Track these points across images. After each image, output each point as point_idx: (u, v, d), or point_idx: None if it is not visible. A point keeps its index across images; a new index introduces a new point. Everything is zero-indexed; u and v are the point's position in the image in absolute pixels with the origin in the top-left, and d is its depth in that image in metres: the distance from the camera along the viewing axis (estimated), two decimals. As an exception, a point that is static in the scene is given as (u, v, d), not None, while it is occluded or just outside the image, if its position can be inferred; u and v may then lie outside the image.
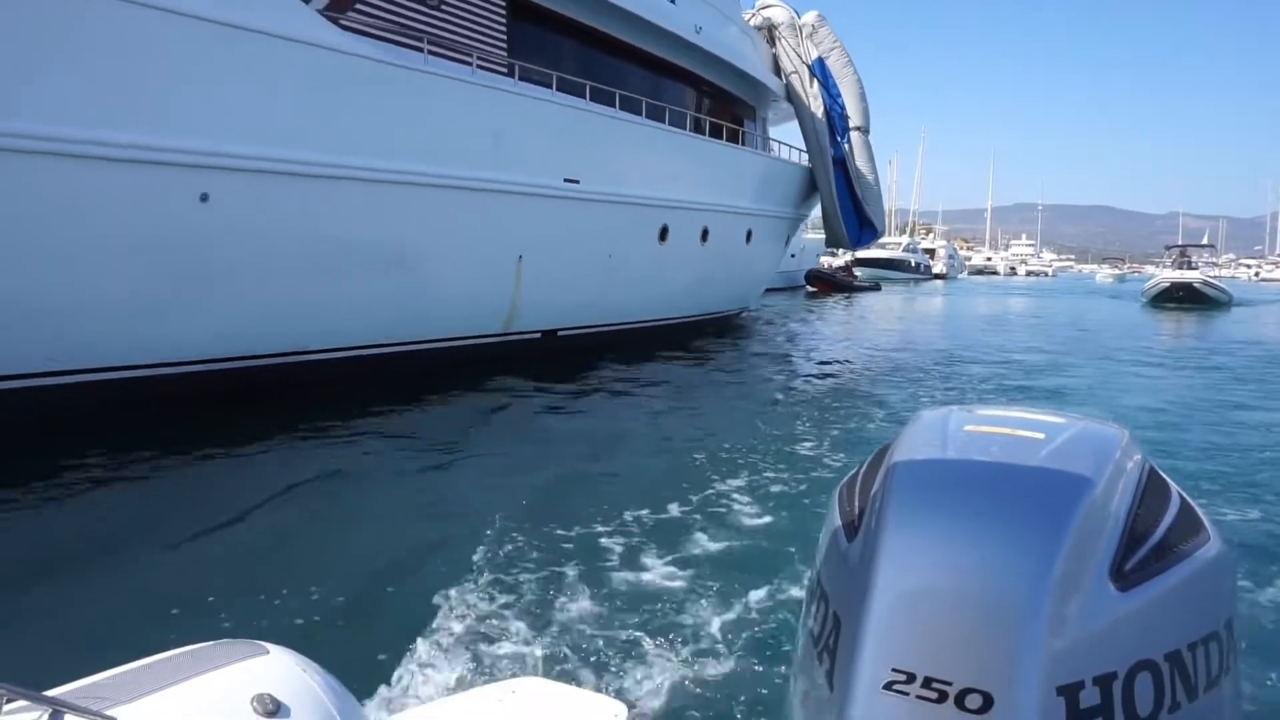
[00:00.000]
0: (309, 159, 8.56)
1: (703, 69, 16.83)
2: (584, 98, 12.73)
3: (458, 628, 3.80)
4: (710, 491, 6.12)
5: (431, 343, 10.93)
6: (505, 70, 11.44)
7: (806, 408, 9.92)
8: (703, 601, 4.18)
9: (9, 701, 1.21)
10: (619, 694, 3.23)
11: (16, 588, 4.21)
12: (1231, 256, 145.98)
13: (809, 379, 12.93)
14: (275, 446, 7.25)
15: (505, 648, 3.64)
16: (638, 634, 3.79)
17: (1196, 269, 40.06)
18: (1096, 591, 1.31)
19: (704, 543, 5.06)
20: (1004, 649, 1.25)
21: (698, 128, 16.88)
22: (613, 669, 3.50)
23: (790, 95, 20.57)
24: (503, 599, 4.13)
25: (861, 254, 43.77)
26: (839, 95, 20.76)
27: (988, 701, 1.22)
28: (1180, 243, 45.58)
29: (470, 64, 10.69)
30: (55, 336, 7.23)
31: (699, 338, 16.65)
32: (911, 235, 75.45)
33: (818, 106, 20.33)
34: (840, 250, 37.02)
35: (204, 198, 7.72)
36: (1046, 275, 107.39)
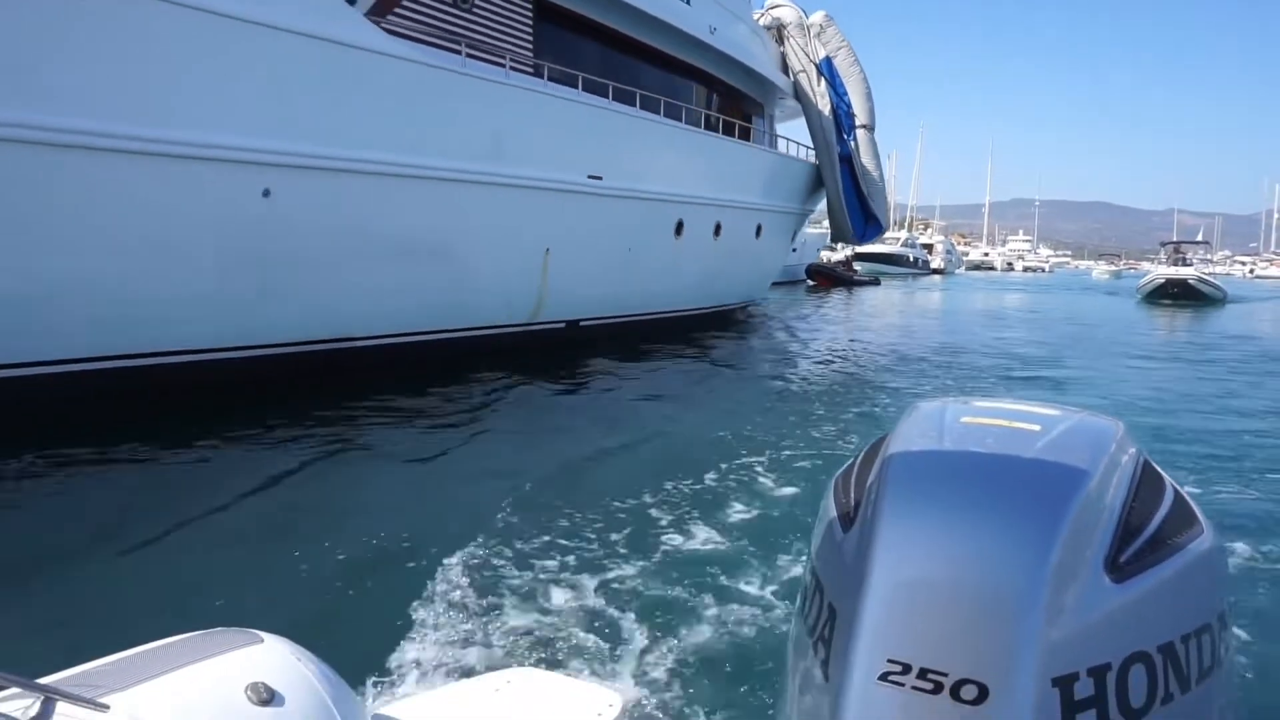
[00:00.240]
0: (360, 157, 9.09)
1: (715, 68, 17.34)
2: (607, 97, 13.26)
3: (453, 617, 3.82)
4: (708, 482, 6.14)
5: (467, 331, 11.48)
6: (532, 70, 11.96)
7: (805, 401, 9.95)
8: (698, 591, 4.18)
9: (2, 689, 1.22)
10: (613, 683, 3.23)
11: (21, 574, 4.25)
12: (1227, 253, 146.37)
13: (814, 370, 13.34)
14: (275, 434, 7.29)
15: (501, 637, 3.66)
16: (632, 624, 3.80)
17: (1191, 265, 40.23)
18: (1091, 583, 1.33)
19: (700, 533, 5.08)
20: (999, 640, 1.26)
21: (710, 125, 17.39)
22: (607, 659, 3.51)
23: (798, 93, 21.05)
24: (498, 588, 4.14)
25: (861, 249, 44.15)
26: (845, 94, 21.25)
27: (983, 693, 1.23)
28: (1175, 239, 45.83)
29: (504, 65, 11.21)
30: (139, 322, 7.78)
31: (705, 330, 17.08)
32: (910, 230, 75.85)
33: (825, 104, 20.83)
34: (840, 244, 37.45)
35: (266, 193, 8.26)
36: (1043, 271, 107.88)
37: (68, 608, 3.97)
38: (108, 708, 1.22)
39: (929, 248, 73.20)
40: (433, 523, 5.16)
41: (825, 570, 1.56)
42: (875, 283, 46.35)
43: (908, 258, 62.66)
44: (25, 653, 3.02)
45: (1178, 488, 1.63)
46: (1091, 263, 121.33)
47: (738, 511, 5.54)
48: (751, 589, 4.23)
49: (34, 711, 1.18)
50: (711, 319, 18.46)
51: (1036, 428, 1.63)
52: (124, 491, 5.81)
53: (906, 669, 1.27)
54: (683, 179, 15.59)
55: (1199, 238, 69.30)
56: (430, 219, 10.23)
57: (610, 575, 4.39)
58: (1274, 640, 3.84)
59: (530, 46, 12.06)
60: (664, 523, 5.25)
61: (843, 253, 48.35)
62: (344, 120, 8.94)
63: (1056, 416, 1.73)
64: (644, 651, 3.56)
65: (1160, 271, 39.51)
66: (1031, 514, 1.37)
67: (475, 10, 11.11)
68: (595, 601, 4.05)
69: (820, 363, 14.17)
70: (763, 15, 20.95)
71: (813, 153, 21.46)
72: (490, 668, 3.24)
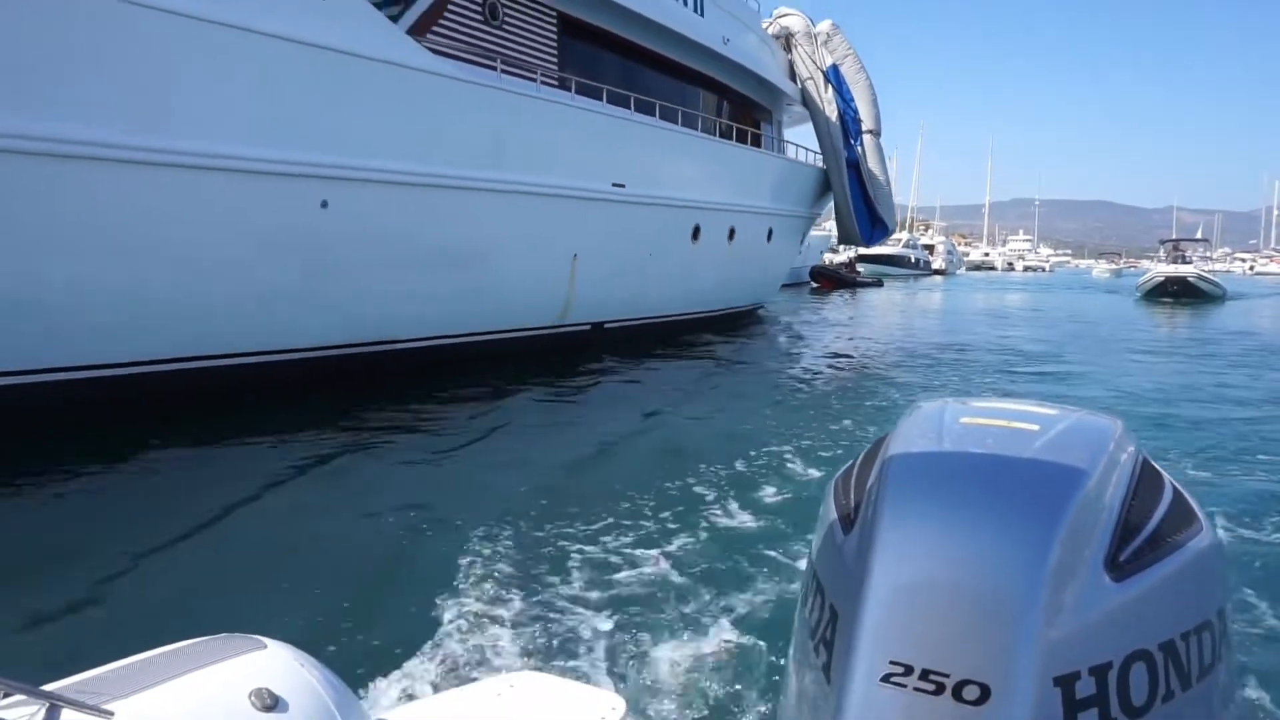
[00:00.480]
0: (407, 169, 9.68)
1: (727, 76, 17.96)
2: (628, 108, 13.86)
3: (456, 622, 3.82)
4: (711, 483, 6.15)
5: (501, 333, 12.08)
6: (558, 83, 12.54)
7: (810, 405, 9.93)
8: (701, 594, 4.21)
9: (6, 696, 1.21)
10: (617, 688, 3.24)
11: (27, 578, 4.27)
12: (1227, 250, 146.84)
13: (823, 369, 13.72)
14: (281, 438, 7.36)
15: (504, 642, 3.66)
16: (636, 628, 3.80)
17: (1191, 263, 40.38)
18: (1091, 582, 1.33)
19: (703, 535, 5.09)
20: (1000, 640, 1.26)
21: (722, 132, 17.96)
22: (611, 663, 3.52)
23: (805, 100, 21.64)
24: (501, 594, 4.14)
25: (863, 250, 44.56)
26: (852, 100, 21.80)
27: (985, 693, 1.23)
28: (1175, 237, 46.06)
29: (535, 80, 11.80)
30: (207, 325, 8.35)
31: (718, 331, 17.49)
32: (910, 231, 76.24)
33: (832, 111, 21.39)
34: (843, 246, 37.89)
35: (324, 204, 8.84)
36: (1044, 270, 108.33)
37: (73, 612, 3.99)
38: (112, 714, 1.22)
39: (930, 249, 73.48)
40: (434, 528, 5.18)
41: (826, 572, 1.57)
42: (878, 284, 46.72)
43: (909, 259, 63.02)
44: (29, 658, 3.30)
45: (1177, 485, 1.65)
46: (1092, 261, 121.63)
47: (742, 513, 5.57)
48: (753, 592, 4.24)
49: (38, 719, 1.19)
50: (724, 320, 18.99)
51: (1035, 428, 1.64)
52: (136, 495, 5.89)
53: (909, 670, 1.27)
54: (700, 185, 16.21)
55: (1198, 235, 69.68)
56: (470, 227, 10.82)
57: (614, 580, 4.40)
58: (1274, 636, 3.89)
59: (555, 60, 12.63)
60: (665, 527, 5.24)
61: (845, 255, 48.81)
62: (393, 134, 9.52)
63: (1055, 416, 1.75)
64: (647, 656, 3.57)
65: (1160, 269, 39.68)
66: (1031, 514, 1.38)
67: (505, 26, 11.69)
68: (599, 606, 4.06)
69: (830, 362, 14.58)
70: (771, 24, 21.51)
71: (820, 157, 22.06)
72: (494, 672, 3.30)
